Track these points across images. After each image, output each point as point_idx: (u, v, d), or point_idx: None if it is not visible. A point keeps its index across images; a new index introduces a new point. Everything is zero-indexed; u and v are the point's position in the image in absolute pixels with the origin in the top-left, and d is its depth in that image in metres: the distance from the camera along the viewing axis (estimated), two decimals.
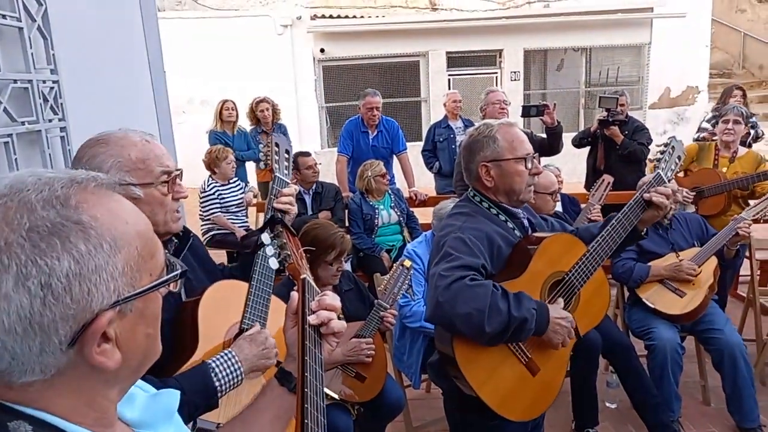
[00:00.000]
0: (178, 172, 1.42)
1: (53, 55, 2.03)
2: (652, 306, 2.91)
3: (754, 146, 5.24)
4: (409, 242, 4.14)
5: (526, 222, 1.96)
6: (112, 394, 0.69)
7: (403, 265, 2.46)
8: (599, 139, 4.66)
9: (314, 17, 10.46)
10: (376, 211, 4.23)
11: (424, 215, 4.50)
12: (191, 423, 1.34)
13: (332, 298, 1.02)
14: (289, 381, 1.00)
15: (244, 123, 5.92)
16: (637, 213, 1.89)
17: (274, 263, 1.15)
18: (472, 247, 1.72)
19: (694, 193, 3.57)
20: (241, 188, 4.82)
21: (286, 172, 1.75)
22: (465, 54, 10.68)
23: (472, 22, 10.63)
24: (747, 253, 3.46)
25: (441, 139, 5.41)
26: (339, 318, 1.03)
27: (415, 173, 5.14)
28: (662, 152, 2.03)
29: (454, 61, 10.61)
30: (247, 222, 4.82)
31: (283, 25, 10.14)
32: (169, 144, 2.93)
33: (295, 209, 1.69)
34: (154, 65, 2.90)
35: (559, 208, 3.47)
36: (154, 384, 0.88)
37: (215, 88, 8.45)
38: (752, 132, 5.33)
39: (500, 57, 10.70)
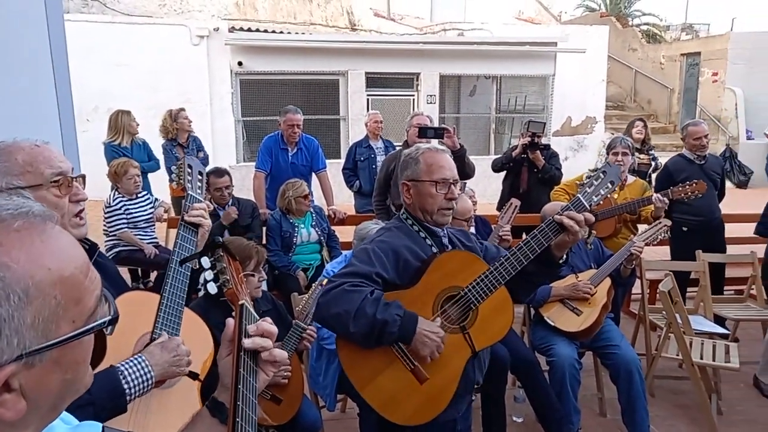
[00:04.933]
0: (76, 175, 1.38)
1: None
2: (553, 324, 3.09)
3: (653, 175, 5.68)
4: (327, 262, 4.12)
5: (446, 240, 2.07)
6: None
7: (322, 285, 2.44)
8: (524, 162, 4.84)
9: (232, 29, 10.27)
10: (296, 229, 4.18)
11: (343, 234, 4.51)
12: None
13: (271, 324, 1.00)
14: (221, 412, 0.96)
15: (154, 134, 5.64)
16: (549, 235, 1.88)
17: (212, 288, 1.12)
18: (372, 257, 1.86)
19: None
20: (150, 202, 4.58)
21: (199, 191, 1.75)
22: (384, 75, 10.90)
23: (390, 45, 10.90)
24: (638, 273, 3.76)
25: (362, 159, 5.48)
26: None
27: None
28: (589, 176, 2.01)
29: (373, 81, 10.79)
30: (156, 238, 4.59)
31: (199, 35, 9.86)
32: (72, 153, 2.75)
33: (208, 222, 1.69)
34: (59, 69, 2.72)
35: (472, 229, 3.59)
36: None
37: (123, 97, 8.04)
38: (653, 163, 5.82)
39: (417, 80, 11.03)
